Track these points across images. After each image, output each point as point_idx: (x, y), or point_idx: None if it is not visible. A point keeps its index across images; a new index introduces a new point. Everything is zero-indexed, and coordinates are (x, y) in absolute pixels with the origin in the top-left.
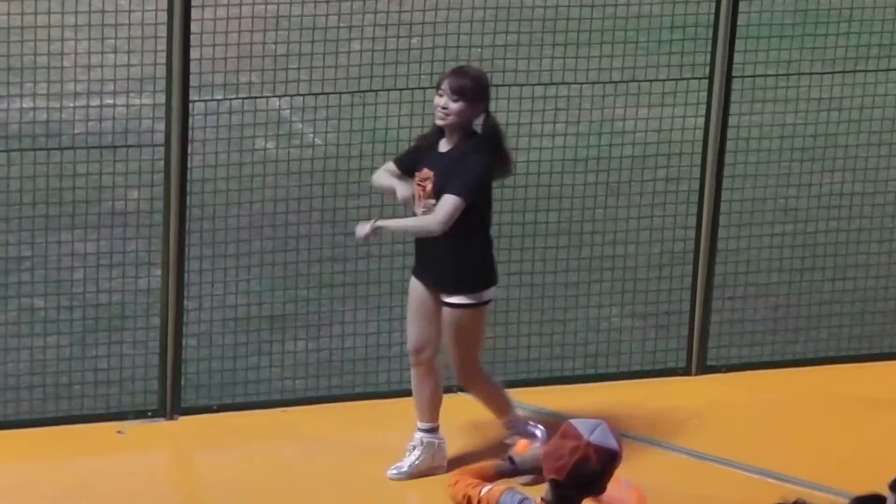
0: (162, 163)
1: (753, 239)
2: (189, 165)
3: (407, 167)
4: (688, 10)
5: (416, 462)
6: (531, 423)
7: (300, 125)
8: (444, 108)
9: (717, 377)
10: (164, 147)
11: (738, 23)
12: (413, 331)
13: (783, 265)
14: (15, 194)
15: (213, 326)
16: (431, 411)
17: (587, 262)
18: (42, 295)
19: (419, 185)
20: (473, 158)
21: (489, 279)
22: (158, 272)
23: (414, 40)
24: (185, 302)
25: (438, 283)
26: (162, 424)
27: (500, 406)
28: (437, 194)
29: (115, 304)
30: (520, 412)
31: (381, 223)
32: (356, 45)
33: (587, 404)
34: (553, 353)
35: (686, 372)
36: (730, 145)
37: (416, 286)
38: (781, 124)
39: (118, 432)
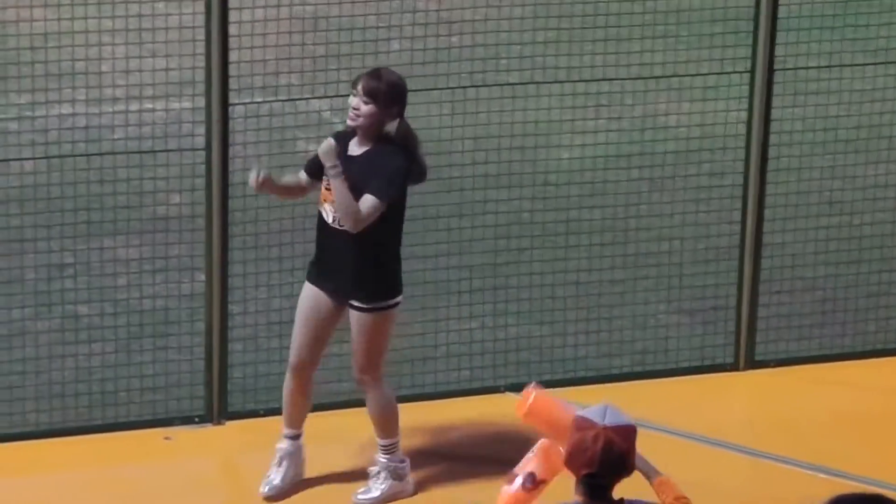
0: (203, 167)
1: (799, 232)
2: (230, 169)
3: (315, 172)
4: (728, 4)
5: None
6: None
7: (341, 126)
8: (355, 108)
9: (765, 372)
10: (204, 151)
11: (779, 15)
12: (303, 341)
13: (829, 258)
14: (56, 201)
15: (258, 330)
16: (298, 419)
17: (632, 258)
18: (86, 302)
19: (327, 189)
20: (390, 160)
21: (395, 289)
22: (202, 276)
23: (454, 39)
24: (230, 306)
25: (341, 287)
26: (209, 429)
27: (391, 424)
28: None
29: (158, 309)
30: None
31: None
32: (396, 45)
33: (635, 402)
34: (600, 351)
35: (734, 367)
36: (773, 138)
37: (310, 292)
38: (825, 116)
39: (165, 438)
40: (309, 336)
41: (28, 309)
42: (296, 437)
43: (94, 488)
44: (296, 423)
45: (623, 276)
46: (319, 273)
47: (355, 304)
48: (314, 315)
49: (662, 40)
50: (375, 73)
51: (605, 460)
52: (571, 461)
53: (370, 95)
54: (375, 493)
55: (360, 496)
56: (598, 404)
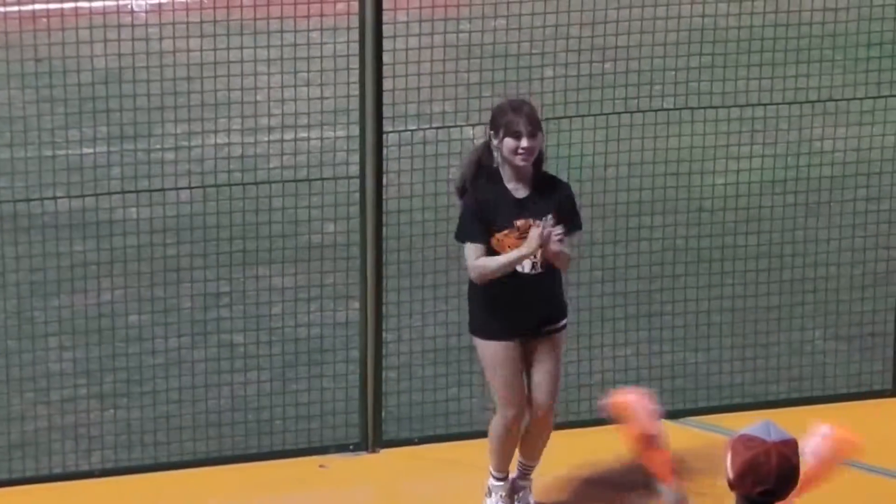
0: (357, 195)
1: None
2: (384, 197)
3: (485, 234)
4: (884, 27)
5: None
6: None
7: None
8: (527, 147)
9: None
10: (359, 179)
11: None
12: (518, 392)
13: None
14: (212, 230)
15: (412, 358)
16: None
17: (788, 284)
18: (241, 331)
19: (521, 238)
20: (567, 189)
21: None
22: (356, 305)
23: (607, 65)
24: (384, 334)
25: (547, 317)
26: (364, 458)
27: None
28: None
29: (313, 338)
30: None
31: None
32: (549, 72)
33: (791, 428)
34: (756, 378)
35: (892, 394)
36: None
37: (505, 347)
38: None
39: (320, 466)
40: (521, 387)
41: (184, 338)
42: (507, 477)
43: None
44: (507, 465)
45: (779, 303)
46: (515, 323)
47: (553, 327)
48: (518, 367)
49: (817, 64)
50: (522, 105)
51: (782, 475)
52: (744, 480)
53: (538, 127)
54: None
55: None
56: (758, 423)
